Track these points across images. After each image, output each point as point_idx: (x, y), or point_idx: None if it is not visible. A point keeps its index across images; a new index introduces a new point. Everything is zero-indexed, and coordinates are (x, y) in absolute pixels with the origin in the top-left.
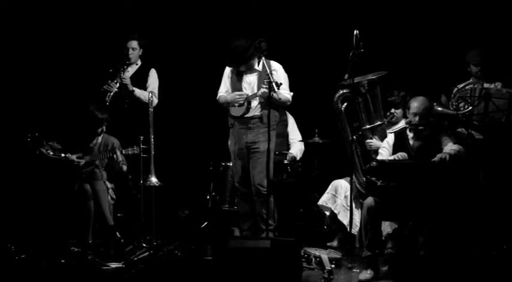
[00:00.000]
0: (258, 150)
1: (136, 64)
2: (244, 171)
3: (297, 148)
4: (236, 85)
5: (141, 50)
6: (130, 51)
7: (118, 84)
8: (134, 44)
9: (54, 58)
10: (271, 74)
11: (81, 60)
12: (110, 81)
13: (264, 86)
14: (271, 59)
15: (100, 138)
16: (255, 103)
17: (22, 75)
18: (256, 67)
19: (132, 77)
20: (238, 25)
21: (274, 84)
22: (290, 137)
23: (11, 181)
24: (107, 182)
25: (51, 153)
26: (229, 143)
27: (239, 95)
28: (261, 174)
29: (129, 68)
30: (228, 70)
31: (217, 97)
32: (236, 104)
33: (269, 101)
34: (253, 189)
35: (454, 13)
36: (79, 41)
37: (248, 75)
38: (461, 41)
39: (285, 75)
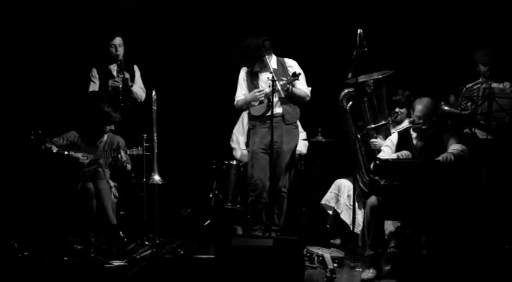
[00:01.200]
0: (282, 151)
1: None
2: (263, 173)
3: (301, 143)
4: (253, 85)
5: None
6: (118, 47)
7: (121, 79)
8: (119, 40)
9: (57, 56)
10: (287, 69)
11: (84, 58)
12: (113, 79)
13: (284, 79)
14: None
15: (106, 136)
16: (274, 100)
17: (26, 73)
18: (272, 65)
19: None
20: (240, 25)
21: (277, 82)
22: None
23: (14, 178)
24: (110, 181)
25: (54, 150)
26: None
27: (258, 91)
28: (284, 176)
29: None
30: (242, 73)
31: (235, 102)
32: (256, 103)
33: (288, 97)
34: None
35: (462, 12)
36: (81, 40)
37: (263, 74)
38: (469, 39)
39: (301, 71)
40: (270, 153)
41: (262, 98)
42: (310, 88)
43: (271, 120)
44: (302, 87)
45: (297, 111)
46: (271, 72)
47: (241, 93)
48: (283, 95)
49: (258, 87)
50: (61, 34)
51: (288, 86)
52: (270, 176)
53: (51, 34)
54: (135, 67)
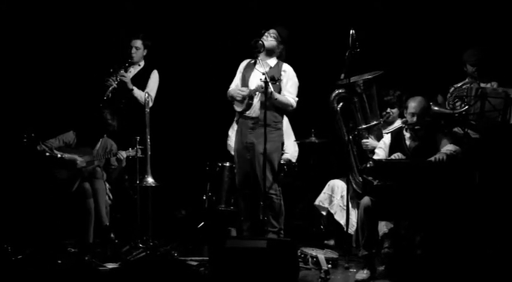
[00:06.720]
0: (257, 152)
1: (139, 65)
2: (245, 171)
3: (291, 150)
4: (244, 80)
5: (145, 50)
6: (134, 50)
7: (118, 80)
8: (138, 43)
9: (55, 58)
10: (280, 74)
11: (83, 60)
12: (110, 78)
13: (261, 80)
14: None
15: (100, 139)
16: (256, 100)
17: (22, 75)
18: (269, 63)
19: (134, 77)
20: (238, 25)
21: (269, 80)
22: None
23: (8, 181)
24: (106, 183)
25: (47, 154)
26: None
27: (240, 90)
28: (264, 178)
29: (132, 68)
30: (242, 65)
31: (228, 91)
32: (237, 98)
33: (267, 101)
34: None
35: (450, 12)
36: (82, 41)
37: (257, 71)
38: (457, 40)
39: (295, 79)
40: (248, 153)
41: (239, 98)
42: (297, 99)
43: (248, 121)
44: (289, 95)
45: (275, 115)
46: (263, 74)
47: (234, 85)
48: (263, 98)
49: (247, 82)
50: (65, 35)
51: (262, 89)
52: (254, 176)
53: (55, 35)
54: (154, 72)
